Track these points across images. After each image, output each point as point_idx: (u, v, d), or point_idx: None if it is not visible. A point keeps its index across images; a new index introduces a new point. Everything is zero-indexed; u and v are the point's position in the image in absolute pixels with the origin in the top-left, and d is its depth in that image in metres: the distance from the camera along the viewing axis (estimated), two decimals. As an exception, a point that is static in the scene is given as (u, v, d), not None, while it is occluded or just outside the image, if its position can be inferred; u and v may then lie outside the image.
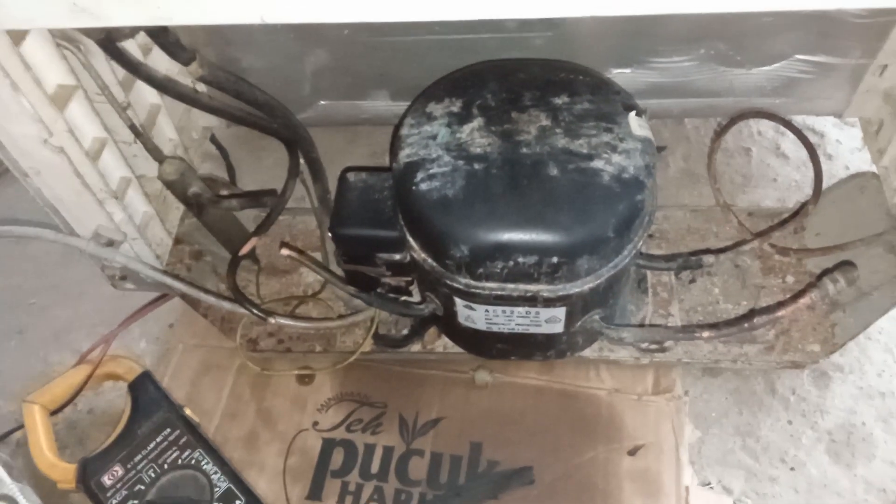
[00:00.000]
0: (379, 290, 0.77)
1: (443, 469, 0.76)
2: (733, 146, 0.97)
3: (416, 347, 0.82)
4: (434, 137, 0.64)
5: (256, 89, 0.68)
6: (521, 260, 0.60)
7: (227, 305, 0.76)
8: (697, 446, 0.77)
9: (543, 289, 0.63)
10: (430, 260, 0.65)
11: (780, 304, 0.65)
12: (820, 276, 0.66)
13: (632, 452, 0.75)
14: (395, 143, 0.66)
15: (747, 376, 0.81)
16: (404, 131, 0.66)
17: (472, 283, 0.63)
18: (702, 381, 0.81)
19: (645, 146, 0.63)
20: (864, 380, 0.80)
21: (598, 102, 0.65)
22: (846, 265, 0.66)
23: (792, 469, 0.74)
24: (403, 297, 0.79)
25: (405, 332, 0.81)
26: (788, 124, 0.76)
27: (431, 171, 0.62)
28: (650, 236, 0.87)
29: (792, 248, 0.81)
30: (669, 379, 0.79)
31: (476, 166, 0.62)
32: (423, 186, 0.62)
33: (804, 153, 0.97)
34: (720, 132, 0.77)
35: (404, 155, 0.64)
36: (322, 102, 0.88)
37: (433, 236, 0.63)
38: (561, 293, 0.63)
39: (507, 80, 0.67)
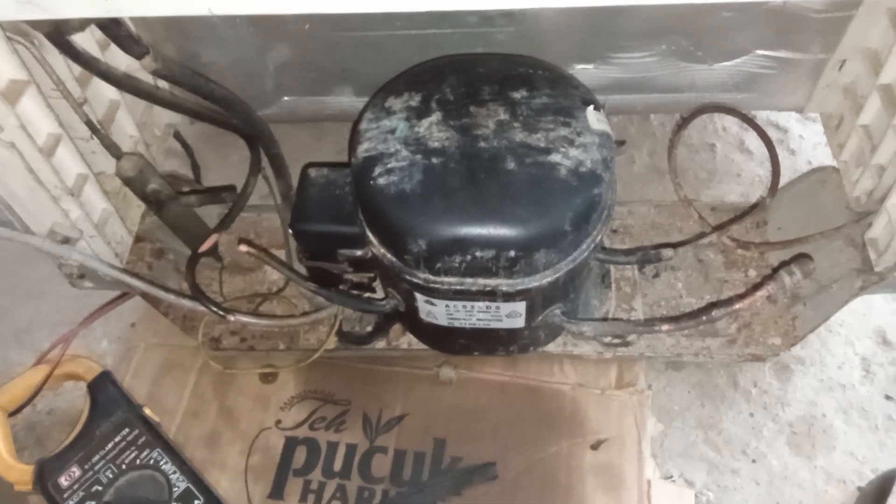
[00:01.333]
0: (342, 286, 0.77)
1: (406, 466, 0.75)
2: (698, 142, 0.98)
3: (380, 344, 0.82)
4: (392, 132, 0.64)
5: (213, 84, 0.68)
6: (478, 254, 0.60)
7: (187, 303, 0.75)
8: (660, 439, 0.77)
9: (502, 283, 0.63)
10: (389, 255, 0.65)
11: (738, 297, 0.66)
12: (777, 269, 0.67)
13: (595, 446, 0.75)
14: (354, 138, 0.66)
15: (710, 370, 0.82)
16: (363, 126, 0.66)
17: (432, 277, 0.63)
18: (665, 374, 0.82)
19: (603, 140, 0.63)
20: (824, 372, 0.80)
21: (556, 97, 0.65)
22: (802, 258, 0.66)
23: (753, 461, 0.75)
24: (366, 294, 0.79)
25: (369, 328, 0.81)
26: (746, 118, 0.76)
27: (389, 166, 0.62)
28: (613, 231, 0.87)
29: (753, 241, 0.81)
30: (632, 373, 0.80)
31: (434, 160, 0.61)
32: (381, 181, 0.62)
33: (768, 149, 0.98)
34: (680, 126, 0.77)
35: (363, 149, 0.64)
36: (285, 98, 0.88)
37: (391, 231, 0.62)
38: (520, 287, 0.63)
39: (466, 75, 0.67)
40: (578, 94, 0.66)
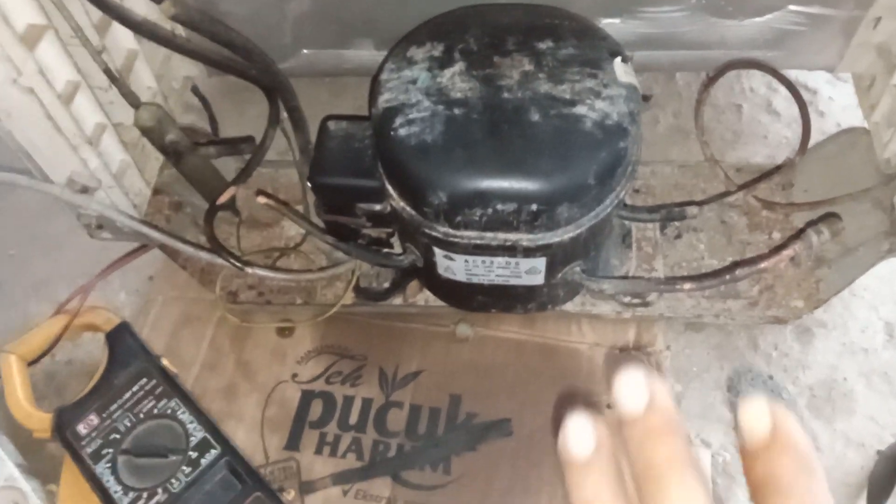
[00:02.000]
0: (359, 241, 0.76)
1: (421, 421, 0.75)
2: (724, 102, 0.95)
3: (397, 301, 0.81)
4: (414, 82, 0.63)
5: (233, 31, 0.67)
6: (499, 207, 0.59)
7: (205, 256, 0.75)
8: (678, 400, 0.77)
9: (523, 237, 0.62)
10: (408, 208, 0.64)
11: (763, 256, 0.64)
12: (804, 229, 0.65)
13: (611, 406, 0.75)
14: (375, 88, 0.65)
15: (730, 332, 0.81)
16: (384, 76, 0.64)
17: (451, 231, 0.62)
18: (684, 336, 0.81)
19: (630, 93, 0.61)
20: (847, 336, 0.79)
21: (582, 48, 0.63)
22: (831, 217, 0.65)
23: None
24: (384, 249, 0.79)
25: (386, 285, 0.81)
26: (776, 73, 0.74)
27: (410, 117, 0.61)
28: (636, 191, 0.86)
29: (779, 202, 0.80)
30: (651, 334, 0.79)
31: (456, 111, 0.60)
32: (402, 132, 0.61)
33: (796, 110, 0.96)
34: (708, 83, 0.75)
35: (383, 100, 0.63)
36: (304, 51, 0.86)
37: (411, 183, 0.61)
38: (540, 242, 0.62)
39: (490, 25, 0.65)
40: (606, 46, 0.64)
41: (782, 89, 0.98)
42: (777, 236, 0.82)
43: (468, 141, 0.59)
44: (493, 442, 0.73)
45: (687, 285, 0.66)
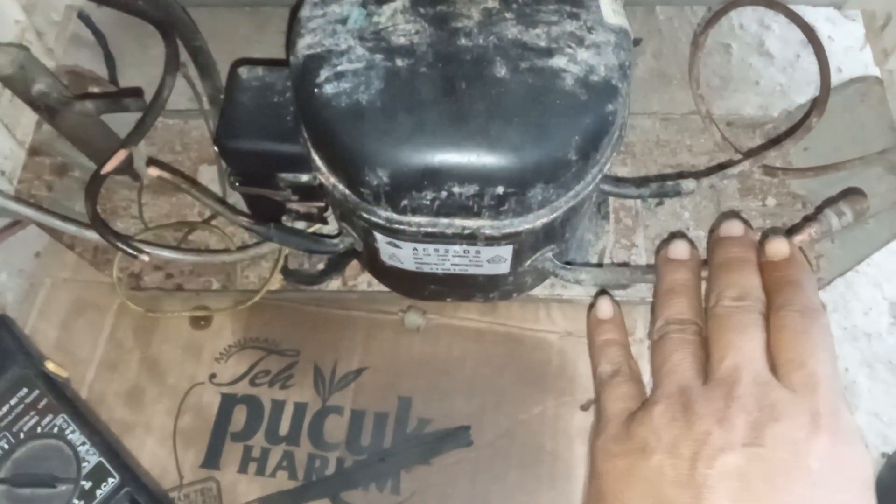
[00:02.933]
0: (285, 217, 0.63)
1: (365, 429, 0.64)
2: (710, 42, 0.82)
3: (334, 284, 0.69)
4: (344, 21, 0.48)
5: (103, -50, 0.50)
6: (456, 190, 0.46)
7: (91, 235, 0.60)
8: (660, 397, 0.67)
9: (485, 225, 0.49)
10: (341, 187, 0.51)
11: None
12: (821, 208, 0.54)
13: (585, 407, 0.65)
14: (294, 29, 0.50)
15: (718, 315, 0.71)
16: (305, 12, 0.50)
17: (395, 217, 0.49)
18: (667, 320, 0.71)
19: (619, 39, 0.48)
20: (848, 319, 0.70)
21: (560, -22, 0.49)
22: (854, 194, 0.54)
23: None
24: (315, 227, 0.65)
25: (321, 266, 0.67)
26: (791, 13, 0.62)
27: (339, 69, 0.47)
28: (614, 151, 0.73)
29: (780, 167, 0.69)
30: (630, 320, 0.68)
31: (399, 63, 0.46)
32: (329, 89, 0.46)
33: (791, 52, 0.84)
34: (706, 25, 0.63)
35: (304, 45, 0.48)
36: (213, -24, 0.70)
37: (343, 157, 0.48)
38: (507, 230, 0.50)
39: (442, -54, 0.50)
40: (589, -24, 0.50)
41: (775, 26, 0.86)
42: (772, 203, 0.71)
43: (415, 103, 0.45)
44: (450, 453, 0.63)
45: (681, 274, 0.55)
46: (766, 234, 0.45)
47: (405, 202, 0.48)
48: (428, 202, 0.47)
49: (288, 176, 0.57)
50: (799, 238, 0.53)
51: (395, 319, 0.68)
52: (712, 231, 0.52)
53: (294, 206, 0.61)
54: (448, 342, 0.67)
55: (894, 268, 0.71)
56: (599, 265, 0.66)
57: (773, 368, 0.37)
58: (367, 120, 0.46)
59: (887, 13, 0.70)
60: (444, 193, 0.47)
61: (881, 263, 0.72)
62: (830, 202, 0.54)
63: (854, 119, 0.70)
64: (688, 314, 0.44)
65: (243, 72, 0.58)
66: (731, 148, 0.67)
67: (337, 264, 0.68)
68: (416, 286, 0.62)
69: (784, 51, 0.83)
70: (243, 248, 0.66)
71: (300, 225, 0.66)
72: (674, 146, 0.75)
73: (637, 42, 0.54)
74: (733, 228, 0.45)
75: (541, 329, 0.68)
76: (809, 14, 0.84)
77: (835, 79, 0.82)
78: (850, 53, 0.82)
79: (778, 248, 0.42)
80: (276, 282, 0.68)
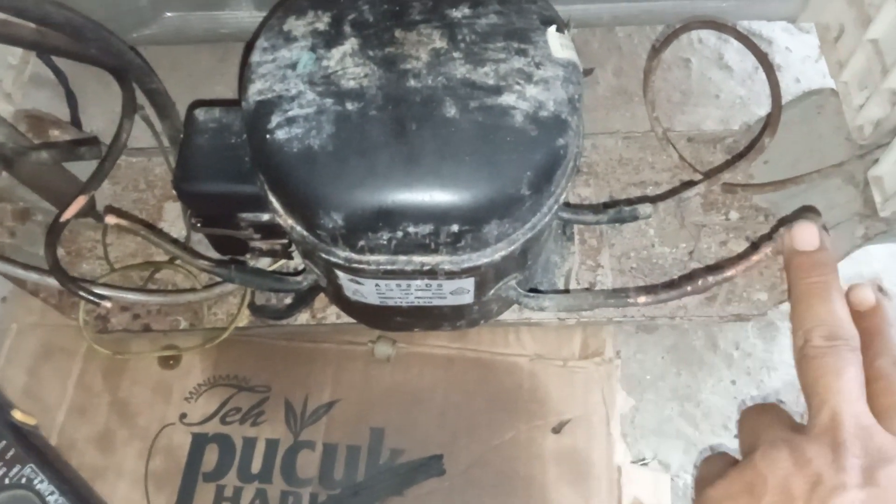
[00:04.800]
0: (249, 255, 0.63)
1: (338, 463, 0.64)
2: (671, 57, 0.84)
3: (303, 317, 0.69)
4: (293, 66, 0.48)
5: (49, 4, 0.50)
6: (412, 230, 0.46)
7: (53, 283, 0.60)
8: (631, 416, 0.68)
9: (444, 260, 0.50)
10: (298, 228, 0.51)
11: (731, 262, 0.54)
12: (777, 227, 0.55)
13: (557, 429, 0.65)
14: (245, 75, 0.50)
15: (686, 330, 0.71)
16: (255, 57, 0.50)
17: (354, 256, 0.50)
18: (635, 338, 0.71)
19: (568, 73, 0.49)
20: (813, 329, 0.71)
21: (508, 15, 0.50)
22: (808, 213, 0.55)
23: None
24: (280, 262, 0.65)
25: (288, 300, 0.67)
26: (742, 37, 0.62)
27: (290, 114, 0.47)
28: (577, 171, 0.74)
29: (739, 183, 0.69)
30: (599, 340, 0.69)
31: (349, 106, 0.46)
32: (280, 135, 0.46)
33: (750, 64, 0.85)
34: (659, 47, 0.63)
35: (255, 91, 0.48)
36: (168, 15, 0.70)
37: (297, 201, 0.48)
38: (466, 265, 0.50)
39: (389, -14, 0.51)
40: (537, 11, 0.50)
41: (733, 40, 0.87)
42: (735, 216, 0.72)
43: (366, 146, 0.45)
44: (423, 484, 0.63)
45: (642, 298, 0.55)
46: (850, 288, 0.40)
47: (362, 243, 0.48)
48: (385, 242, 0.48)
49: (248, 216, 0.57)
50: (756, 258, 0.54)
51: (366, 350, 0.69)
52: (779, 225, 0.45)
53: (257, 244, 0.61)
54: (419, 370, 0.68)
55: (857, 277, 0.72)
56: (564, 291, 0.66)
57: (872, 409, 0.34)
58: (319, 165, 0.46)
59: (840, 24, 0.70)
60: (399, 233, 0.47)
61: (845, 272, 0.72)
62: (785, 221, 0.55)
63: (812, 131, 0.71)
64: (842, 326, 0.36)
65: (200, 113, 0.57)
66: (692, 168, 0.67)
67: (304, 298, 0.68)
68: (383, 319, 0.62)
69: (743, 63, 0.84)
70: (209, 286, 0.66)
71: (265, 261, 0.66)
72: (636, 163, 0.75)
73: (589, 71, 0.54)
74: (807, 237, 0.39)
75: (511, 353, 0.68)
76: (766, 28, 0.86)
77: (794, 89, 0.83)
78: (808, 63, 0.84)
79: (864, 297, 0.39)
80: (245, 318, 0.68)
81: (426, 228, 0.46)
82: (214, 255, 0.67)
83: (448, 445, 0.64)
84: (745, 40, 0.64)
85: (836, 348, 0.36)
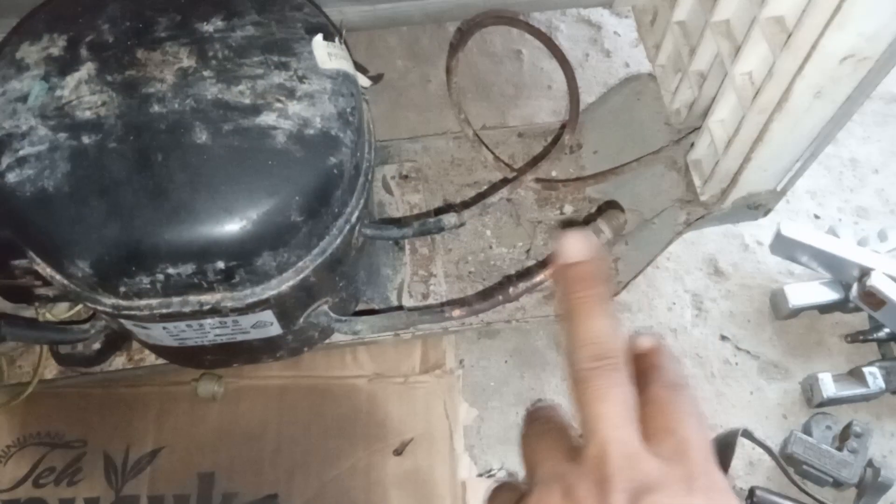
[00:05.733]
0: (38, 304, 0.57)
1: (165, 516, 0.59)
2: (501, 49, 0.82)
3: (119, 361, 0.63)
4: (24, 99, 0.43)
5: None
6: (171, 271, 0.42)
7: None
8: (476, 426, 0.65)
9: (225, 297, 0.45)
10: (58, 276, 0.46)
11: (540, 266, 0.52)
12: (586, 222, 0.53)
13: (398, 451, 0.62)
14: (-25, 110, 0.44)
15: (528, 331, 0.70)
16: (-15, 91, 0.44)
17: (122, 303, 0.45)
18: (478, 345, 0.69)
19: (338, 84, 0.45)
20: (653, 317, 0.70)
21: (267, 25, 0.46)
22: (611, 210, 0.53)
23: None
24: (77, 308, 0.60)
25: (97, 346, 0.62)
26: (533, 29, 0.61)
27: (21, 153, 0.42)
28: (404, 177, 0.71)
29: (558, 179, 0.68)
30: (439, 351, 0.66)
31: (86, 140, 0.42)
32: (11, 178, 0.41)
33: (580, 51, 0.84)
34: (456, 46, 0.61)
35: (-17, 129, 0.43)
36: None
37: (39, 249, 0.43)
38: (251, 300, 0.46)
39: (132, 1, 0.46)
40: (301, 19, 0.47)
41: (563, 27, 0.86)
42: (570, 210, 0.71)
43: (106, 183, 0.41)
44: (258, 527, 0.59)
45: (456, 311, 0.53)
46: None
47: (123, 288, 0.43)
48: (148, 286, 0.43)
49: (21, 262, 0.51)
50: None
51: (190, 390, 0.64)
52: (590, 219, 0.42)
53: (41, 290, 0.55)
54: (249, 406, 0.63)
55: (692, 259, 0.72)
56: (397, 308, 0.63)
57: (643, 433, 0.35)
58: (55, 208, 0.41)
59: (654, 8, 0.70)
60: (160, 276, 0.42)
61: (680, 256, 0.72)
62: (590, 220, 0.53)
63: (633, 118, 0.70)
64: (606, 344, 0.35)
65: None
66: (510, 166, 0.65)
67: (115, 341, 0.62)
68: (192, 358, 0.57)
69: (573, 50, 0.82)
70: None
71: (62, 307, 0.60)
72: (469, 164, 0.73)
73: (376, 78, 0.51)
74: (574, 249, 0.36)
75: (348, 375, 0.65)
76: (594, 13, 0.85)
77: (623, 73, 0.83)
78: (639, 47, 0.83)
79: (643, 342, 0.38)
80: (53, 369, 0.62)
81: (188, 268, 0.42)
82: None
83: (284, 483, 0.61)
84: (538, 34, 0.62)
85: (600, 370, 0.34)
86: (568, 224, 0.55)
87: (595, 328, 0.35)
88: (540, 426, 0.38)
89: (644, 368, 0.36)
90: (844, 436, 0.64)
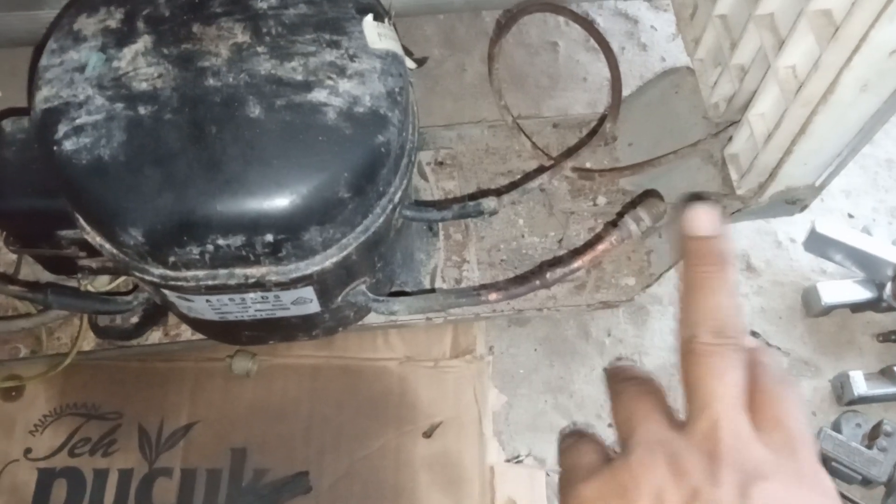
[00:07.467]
0: (81, 275, 0.58)
1: (197, 489, 0.60)
2: (537, 41, 0.82)
3: (155, 336, 0.64)
4: (82, 69, 0.44)
5: None
6: (221, 242, 0.43)
7: None
8: (504, 413, 0.66)
9: (270, 271, 0.46)
10: (107, 245, 0.47)
11: (576, 253, 0.53)
12: (622, 214, 0.54)
13: (428, 434, 0.63)
14: (33, 81, 0.45)
15: (558, 320, 0.70)
16: (43, 61, 0.45)
17: (170, 273, 0.46)
18: (508, 332, 0.69)
19: (388, 64, 0.46)
20: (683, 311, 0.70)
21: (319, 4, 0.46)
22: (651, 198, 0.53)
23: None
24: (118, 280, 0.61)
25: (135, 319, 0.63)
26: (579, 18, 0.61)
27: (78, 122, 0.43)
28: (439, 164, 0.71)
29: (595, 169, 0.68)
30: (470, 337, 0.67)
31: (142, 111, 0.43)
32: (68, 146, 0.42)
33: (616, 44, 0.83)
34: (499, 33, 0.61)
35: (41, 98, 0.44)
36: (-16, 16, 0.64)
37: (93, 217, 0.44)
38: (295, 275, 0.47)
39: (188, -23, 0.47)
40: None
41: (599, 20, 0.86)
42: (603, 201, 0.71)
43: (162, 153, 0.42)
44: (289, 502, 0.60)
45: (493, 295, 0.54)
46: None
47: (172, 259, 0.44)
48: (197, 256, 0.44)
49: (68, 233, 0.53)
50: (601, 247, 0.53)
51: (224, 366, 0.65)
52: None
53: (85, 262, 0.56)
54: (282, 384, 0.64)
55: (724, 254, 0.72)
56: (430, 290, 0.63)
57: (752, 420, 0.33)
58: (111, 177, 0.42)
59: (694, 2, 0.70)
60: (210, 246, 0.43)
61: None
62: (629, 208, 0.54)
63: (670, 111, 0.70)
64: (730, 321, 0.35)
65: (7, 124, 0.53)
66: (545, 156, 0.66)
67: (153, 315, 0.64)
68: (230, 333, 0.58)
69: (610, 44, 0.82)
70: (42, 310, 0.61)
71: (103, 280, 0.61)
72: (503, 153, 0.73)
73: (421, 61, 0.52)
74: (703, 223, 0.35)
75: (380, 357, 0.66)
76: (631, 7, 0.85)
77: (659, 68, 0.83)
78: (676, 42, 0.83)
79: (748, 341, 0.37)
80: (91, 341, 0.63)
81: (237, 240, 0.43)
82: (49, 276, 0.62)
83: (314, 461, 0.61)
84: (583, 22, 0.62)
85: (721, 347, 0.33)
86: (695, 197, 0.54)
87: (720, 304, 0.33)
88: (637, 386, 0.36)
89: (750, 362, 0.35)
90: (874, 434, 0.64)
